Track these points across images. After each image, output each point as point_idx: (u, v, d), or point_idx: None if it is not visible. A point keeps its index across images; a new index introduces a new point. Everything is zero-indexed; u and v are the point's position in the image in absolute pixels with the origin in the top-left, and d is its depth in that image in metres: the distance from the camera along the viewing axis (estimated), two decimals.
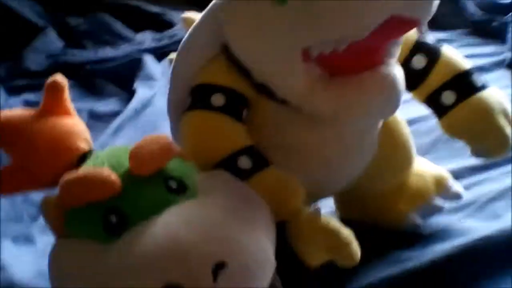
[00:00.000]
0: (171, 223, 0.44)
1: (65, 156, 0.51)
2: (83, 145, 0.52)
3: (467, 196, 0.70)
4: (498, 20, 1.29)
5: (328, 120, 0.55)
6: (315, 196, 0.63)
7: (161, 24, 1.48)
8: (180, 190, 0.48)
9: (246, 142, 0.56)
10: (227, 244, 0.43)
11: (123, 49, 1.37)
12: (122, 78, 1.28)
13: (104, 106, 1.20)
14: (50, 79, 0.53)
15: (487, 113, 0.59)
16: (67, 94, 0.54)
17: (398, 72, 0.55)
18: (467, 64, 0.62)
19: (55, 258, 0.48)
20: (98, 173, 0.45)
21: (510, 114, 0.60)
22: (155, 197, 0.46)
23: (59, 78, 0.54)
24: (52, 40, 1.43)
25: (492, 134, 0.59)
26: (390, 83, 0.53)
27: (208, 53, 0.58)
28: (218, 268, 0.42)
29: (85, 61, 1.34)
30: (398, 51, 0.56)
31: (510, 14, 1.27)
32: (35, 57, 1.36)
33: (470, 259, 0.61)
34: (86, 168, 0.47)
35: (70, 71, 1.21)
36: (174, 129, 0.64)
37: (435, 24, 1.06)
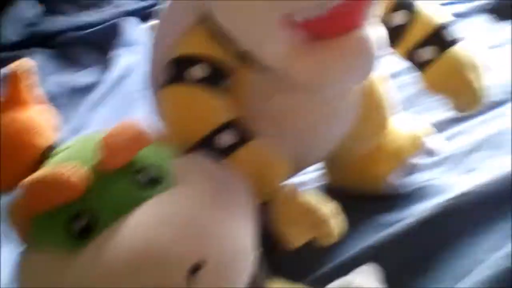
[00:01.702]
0: (144, 223, 0.40)
1: (24, 154, 0.46)
2: (44, 140, 0.47)
3: (448, 148, 0.72)
4: None
5: (306, 87, 0.54)
6: (302, 164, 0.63)
7: None
8: (152, 182, 0.44)
9: (227, 116, 0.54)
10: (205, 241, 0.40)
11: (104, 13, 1.35)
12: (103, 44, 1.24)
13: (84, 77, 1.15)
14: (12, 67, 0.48)
15: (455, 69, 0.60)
16: (32, 79, 0.49)
17: (374, 35, 0.52)
18: (443, 17, 0.62)
19: (20, 270, 0.44)
20: (58, 175, 0.41)
21: (480, 67, 0.60)
22: (125, 194, 0.42)
23: (22, 64, 0.49)
24: (29, 6, 1.40)
25: (463, 89, 0.60)
26: (363, 48, 0.51)
27: (188, 23, 0.56)
28: (196, 268, 0.39)
29: (64, 28, 1.32)
30: (379, 9, 0.55)
31: None
32: (12, 26, 1.34)
33: (451, 216, 0.61)
34: (46, 168, 0.43)
35: (48, 39, 1.25)
36: (155, 102, 0.62)
37: None
